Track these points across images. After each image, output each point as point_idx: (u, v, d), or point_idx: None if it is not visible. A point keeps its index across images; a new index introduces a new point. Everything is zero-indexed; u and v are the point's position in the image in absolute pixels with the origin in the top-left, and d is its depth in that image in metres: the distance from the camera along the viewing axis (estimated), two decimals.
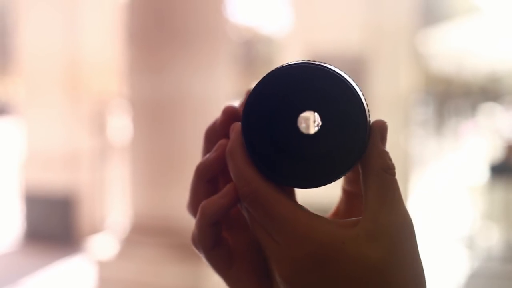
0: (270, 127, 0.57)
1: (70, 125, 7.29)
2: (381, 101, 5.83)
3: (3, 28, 15.08)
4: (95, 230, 6.83)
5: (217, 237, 0.61)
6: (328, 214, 0.68)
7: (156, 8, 4.49)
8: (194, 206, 0.63)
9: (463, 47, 11.16)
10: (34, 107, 7.43)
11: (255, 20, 13.40)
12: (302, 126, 0.56)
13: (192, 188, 0.63)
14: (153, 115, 4.52)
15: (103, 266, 4.61)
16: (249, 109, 0.57)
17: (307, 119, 0.57)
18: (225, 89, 4.58)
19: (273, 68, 0.57)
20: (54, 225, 7.30)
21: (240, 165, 0.57)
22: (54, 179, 7.27)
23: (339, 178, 0.57)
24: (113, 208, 7.29)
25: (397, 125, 5.97)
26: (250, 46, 14.25)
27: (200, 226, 0.60)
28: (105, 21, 7.40)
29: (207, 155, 0.62)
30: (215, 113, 0.65)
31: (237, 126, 0.59)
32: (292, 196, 0.60)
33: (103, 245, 4.76)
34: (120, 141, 6.41)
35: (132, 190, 4.68)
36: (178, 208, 4.29)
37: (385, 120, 0.59)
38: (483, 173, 7.64)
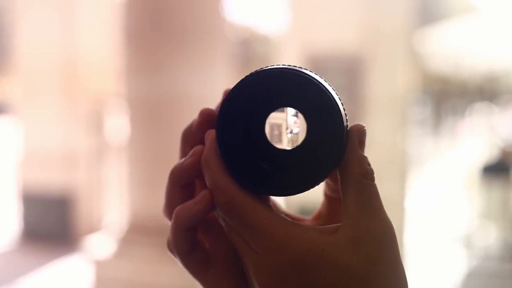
0: (244, 136, 0.56)
1: (67, 124, 7.29)
2: (378, 100, 5.84)
3: (1, 28, 15.05)
4: (92, 229, 6.82)
5: (192, 242, 0.61)
6: (309, 217, 0.67)
7: (153, 7, 4.49)
8: (169, 210, 0.63)
9: (460, 46, 11.16)
10: (31, 106, 7.43)
11: (252, 19, 13.39)
12: (275, 133, 0.56)
13: (167, 192, 0.63)
14: (151, 114, 4.52)
15: (100, 265, 4.61)
16: (223, 117, 0.56)
17: (279, 126, 0.56)
18: (222, 88, 4.56)
19: (247, 74, 0.56)
20: (51, 224, 7.29)
21: (215, 173, 0.56)
22: (51, 179, 7.26)
23: (316, 186, 0.56)
24: (110, 208, 7.29)
25: (394, 124, 5.97)
26: (247, 46, 14.24)
27: (175, 231, 0.60)
28: (102, 20, 7.39)
29: (182, 160, 0.61)
30: None
31: (212, 133, 0.58)
32: (268, 203, 0.59)
33: (100, 244, 4.76)
34: (117, 140, 6.41)
35: (129, 189, 4.68)
36: None
37: (363, 124, 0.58)
38: (480, 172, 7.65)
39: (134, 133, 4.61)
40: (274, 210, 0.56)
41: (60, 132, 7.28)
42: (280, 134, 0.56)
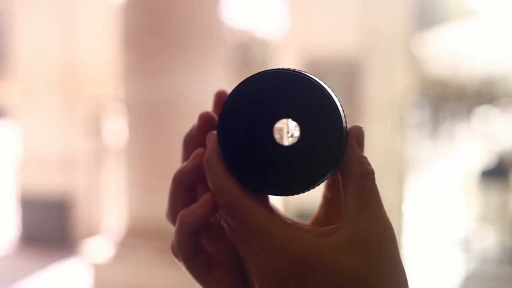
0: (246, 135, 0.56)
1: (66, 128, 7.29)
2: (376, 104, 5.84)
3: None
4: (90, 233, 6.82)
5: (196, 246, 0.61)
6: (308, 222, 0.68)
7: (152, 11, 4.49)
8: (173, 214, 0.63)
9: (459, 50, 11.17)
10: (30, 110, 7.43)
11: (251, 23, 13.38)
12: (276, 136, 0.56)
13: (170, 197, 0.63)
14: (149, 118, 4.52)
15: (98, 269, 4.60)
16: (225, 117, 0.57)
17: (280, 129, 0.56)
18: None
19: (248, 76, 0.57)
20: (49, 228, 7.29)
21: (217, 175, 0.57)
22: (49, 182, 7.26)
23: (317, 185, 0.57)
24: (109, 211, 7.28)
25: (392, 127, 5.97)
26: (246, 49, 14.24)
27: (179, 236, 0.60)
28: (100, 24, 7.39)
29: (184, 164, 0.61)
30: None
31: (213, 135, 0.58)
32: (269, 205, 0.59)
33: (98, 248, 4.76)
34: (116, 144, 6.41)
35: (127, 193, 4.68)
36: None
37: (361, 125, 0.58)
38: (478, 176, 7.65)
39: (132, 137, 4.61)
40: (275, 212, 0.57)
41: (59, 136, 7.28)
42: (281, 138, 0.56)
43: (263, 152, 0.56)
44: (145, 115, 4.54)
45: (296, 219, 0.66)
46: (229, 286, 0.62)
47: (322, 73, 5.89)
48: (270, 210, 0.57)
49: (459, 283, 6.11)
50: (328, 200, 0.66)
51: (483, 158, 8.84)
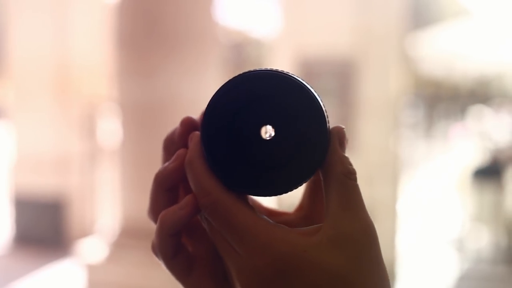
0: (229, 135, 0.56)
1: (60, 128, 7.28)
2: (370, 104, 5.85)
3: None
4: (84, 233, 6.82)
5: (177, 246, 0.61)
6: (292, 210, 0.68)
7: (146, 11, 4.49)
8: (154, 213, 0.63)
9: (453, 50, 11.20)
10: (24, 110, 7.42)
11: (245, 23, 13.37)
12: (259, 136, 0.56)
13: (152, 196, 0.63)
14: (143, 118, 4.52)
15: (92, 269, 4.60)
16: (208, 117, 0.57)
17: (264, 129, 0.57)
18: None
19: (232, 76, 0.57)
20: (43, 228, 7.28)
21: (200, 175, 0.57)
22: (44, 183, 7.25)
23: (300, 185, 0.57)
24: (103, 212, 7.28)
25: (386, 127, 5.98)
26: (240, 49, 14.23)
27: (160, 236, 0.61)
28: (94, 24, 7.39)
29: (166, 164, 0.62)
30: None
31: (196, 135, 0.59)
32: (250, 205, 0.59)
33: (92, 248, 4.75)
34: (110, 144, 6.41)
35: (121, 193, 4.68)
36: None
37: (343, 126, 0.59)
38: (472, 175, 7.67)
39: (126, 137, 4.61)
40: (257, 212, 0.57)
41: (53, 136, 7.27)
42: (265, 138, 0.57)
43: (246, 153, 0.56)
44: (139, 116, 4.53)
45: (279, 210, 0.67)
46: (209, 286, 0.62)
47: (316, 73, 5.89)
48: (252, 210, 0.57)
49: (453, 282, 6.13)
50: (310, 187, 0.66)
51: (477, 158, 8.86)
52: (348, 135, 0.60)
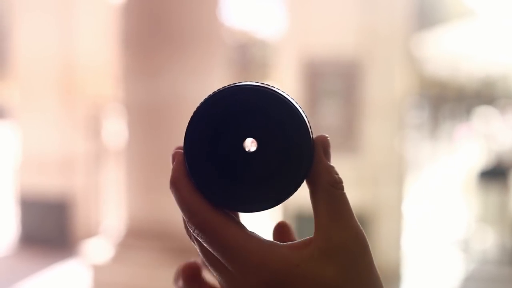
0: (213, 153, 0.56)
1: (65, 129, 7.29)
2: (375, 104, 5.84)
3: None
4: (90, 234, 6.82)
5: None
6: None
7: (151, 11, 4.49)
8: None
9: (458, 50, 11.18)
10: (29, 111, 7.43)
11: (250, 23, 13.39)
12: (244, 151, 0.56)
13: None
14: (148, 119, 4.52)
15: (98, 270, 4.60)
16: (190, 135, 0.56)
17: (248, 144, 0.56)
18: None
19: (214, 91, 0.56)
20: (49, 229, 7.29)
21: (186, 195, 0.56)
22: (49, 183, 7.26)
23: (289, 197, 0.56)
24: (108, 212, 7.28)
25: (391, 128, 5.98)
26: (245, 50, 14.23)
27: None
28: (100, 24, 7.39)
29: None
30: None
31: (178, 154, 0.57)
32: (240, 222, 0.58)
33: (98, 249, 4.76)
34: (115, 145, 6.41)
35: (127, 194, 4.68)
36: (172, 212, 4.28)
37: (327, 135, 0.58)
38: (478, 176, 7.65)
39: (131, 138, 4.61)
40: (246, 228, 0.57)
41: (58, 137, 7.28)
42: (249, 153, 0.56)
43: (232, 169, 0.56)
44: (144, 116, 4.54)
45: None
46: None
47: (321, 74, 5.89)
48: (242, 227, 0.56)
49: (458, 283, 6.11)
50: None
51: (482, 159, 8.84)
52: (330, 143, 0.59)
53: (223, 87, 0.56)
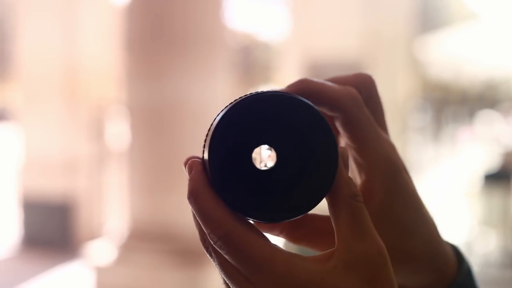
0: (238, 162, 0.54)
1: (68, 131, 7.29)
2: None
3: (2, 34, 15.08)
4: (93, 236, 6.83)
5: None
6: None
7: (155, 14, 4.50)
8: None
9: (461, 53, 11.18)
10: (32, 113, 7.44)
11: (253, 26, 13.40)
12: (261, 160, 0.55)
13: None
14: (151, 121, 4.53)
15: (101, 272, 4.61)
16: (216, 143, 0.54)
17: (271, 154, 0.55)
18: (223, 95, 4.58)
19: (238, 98, 0.55)
20: (52, 231, 7.29)
21: (208, 206, 0.54)
22: (52, 185, 7.26)
23: (315, 207, 0.56)
24: (111, 214, 7.29)
25: (394, 131, 5.96)
26: (248, 52, 14.24)
27: None
28: (103, 27, 7.40)
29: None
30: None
31: (196, 163, 0.55)
32: (263, 233, 0.57)
33: (101, 251, 4.76)
34: (118, 147, 6.42)
35: (130, 196, 4.68)
36: (176, 214, 4.29)
37: (345, 147, 0.59)
38: (481, 180, 7.64)
39: (135, 140, 4.61)
40: (270, 240, 0.56)
41: (61, 139, 7.29)
42: (272, 163, 0.55)
43: (258, 179, 0.54)
44: (147, 118, 4.54)
45: None
46: None
47: (324, 76, 5.89)
48: (266, 239, 0.56)
49: None
50: None
51: (486, 162, 8.83)
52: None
53: (245, 95, 0.55)
